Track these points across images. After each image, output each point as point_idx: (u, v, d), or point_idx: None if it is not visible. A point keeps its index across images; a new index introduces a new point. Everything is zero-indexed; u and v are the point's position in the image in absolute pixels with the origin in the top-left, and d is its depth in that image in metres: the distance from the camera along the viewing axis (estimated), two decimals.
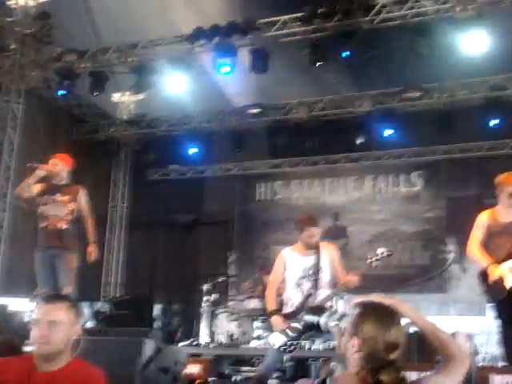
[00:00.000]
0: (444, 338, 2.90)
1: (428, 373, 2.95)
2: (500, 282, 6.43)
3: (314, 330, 3.21)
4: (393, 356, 2.75)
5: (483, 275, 6.64)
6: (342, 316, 3.15)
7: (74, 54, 12.99)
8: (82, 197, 8.30)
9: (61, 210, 8.07)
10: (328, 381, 2.98)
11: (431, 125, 13.86)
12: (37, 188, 8.16)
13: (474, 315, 10.50)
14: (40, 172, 8.02)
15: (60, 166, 8.21)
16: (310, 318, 3.24)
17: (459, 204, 14.74)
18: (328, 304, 6.70)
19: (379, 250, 6.35)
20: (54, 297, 3.76)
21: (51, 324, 3.44)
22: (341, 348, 2.91)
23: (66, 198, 8.12)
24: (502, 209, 6.73)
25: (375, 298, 2.92)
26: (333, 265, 6.70)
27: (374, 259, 6.33)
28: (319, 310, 3.29)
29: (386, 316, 2.83)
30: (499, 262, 6.49)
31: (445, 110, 13.63)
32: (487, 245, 6.75)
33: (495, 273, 6.42)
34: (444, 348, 2.88)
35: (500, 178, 6.81)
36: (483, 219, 6.79)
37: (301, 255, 6.71)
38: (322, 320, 3.12)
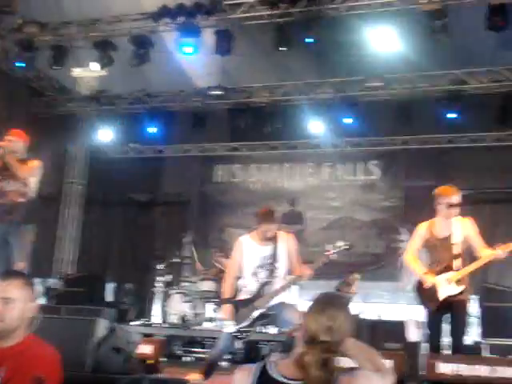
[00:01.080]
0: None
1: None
2: (434, 292, 6.62)
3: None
4: (324, 337, 2.83)
5: (419, 286, 6.82)
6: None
7: (35, 26, 12.81)
8: (40, 171, 8.22)
9: (17, 185, 7.99)
10: (267, 363, 3.03)
11: (391, 115, 13.96)
12: None
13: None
14: None
15: (15, 141, 8.11)
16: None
17: (415, 194, 14.89)
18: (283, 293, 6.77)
19: (338, 243, 6.41)
20: (9, 273, 3.70)
21: (5, 301, 3.42)
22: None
23: (24, 173, 8.05)
24: (440, 221, 6.85)
25: None
26: (289, 255, 6.74)
27: (332, 252, 6.38)
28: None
29: (326, 302, 3.01)
30: (433, 273, 6.70)
31: (405, 101, 13.73)
32: (427, 257, 6.94)
33: (429, 280, 6.62)
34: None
35: (438, 190, 6.94)
36: (421, 231, 6.97)
37: (259, 244, 6.74)
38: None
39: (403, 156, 15.89)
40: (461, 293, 6.61)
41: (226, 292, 6.75)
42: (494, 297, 10.65)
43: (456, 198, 6.76)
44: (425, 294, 6.73)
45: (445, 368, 5.58)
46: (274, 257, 6.63)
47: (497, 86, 13.20)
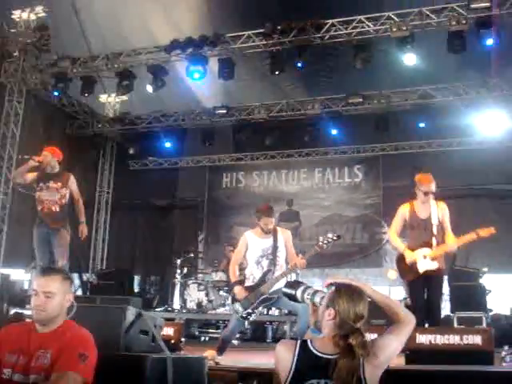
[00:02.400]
0: (394, 306, 3.22)
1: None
2: (414, 265, 6.62)
3: (290, 299, 3.32)
4: (359, 324, 3.02)
5: (400, 259, 6.82)
6: (316, 291, 3.26)
7: (67, 61, 12.87)
8: (73, 183, 8.27)
9: (54, 195, 8.04)
10: (308, 340, 3.12)
11: (370, 126, 14.01)
12: (32, 176, 8.15)
13: (401, 285, 10.72)
14: (32, 162, 8.00)
15: (50, 156, 8.17)
16: (287, 290, 3.35)
17: (393, 192, 14.87)
18: (289, 278, 6.81)
19: (329, 235, 6.39)
20: (50, 270, 3.72)
21: (47, 295, 3.44)
22: (316, 315, 3.20)
23: (58, 184, 8.09)
24: (419, 204, 6.84)
25: (345, 279, 3.25)
26: (286, 246, 6.75)
27: (324, 241, 6.37)
28: (296, 283, 3.39)
29: (356, 293, 3.11)
30: (413, 250, 6.69)
31: (382, 114, 13.78)
32: (406, 235, 6.92)
33: (409, 255, 6.62)
34: (394, 314, 3.19)
35: (417, 177, 6.94)
36: (403, 211, 6.93)
37: (260, 238, 6.75)
38: (298, 292, 3.23)
39: (382, 160, 15.92)
40: (437, 268, 6.61)
41: (233, 276, 6.77)
42: (461, 277, 10.69)
43: (431, 186, 6.75)
44: (405, 267, 6.72)
45: (422, 339, 5.62)
46: (274, 248, 6.65)
47: (458, 99, 13.25)
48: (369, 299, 3.19)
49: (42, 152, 8.22)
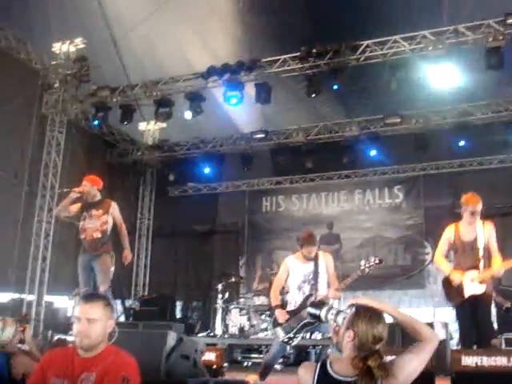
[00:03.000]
0: (417, 325, 3.17)
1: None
2: (460, 288, 6.45)
3: (315, 320, 3.36)
4: (378, 346, 3.07)
5: (446, 283, 6.67)
6: (339, 311, 3.30)
7: (106, 90, 13.13)
8: (114, 209, 8.35)
9: (95, 223, 8.14)
10: (327, 362, 3.15)
11: (409, 146, 13.90)
12: (76, 207, 8.31)
13: (448, 307, 10.51)
14: (73, 194, 8.17)
15: (89, 186, 8.31)
16: (312, 310, 3.41)
17: (434, 213, 14.74)
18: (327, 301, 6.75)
19: (371, 259, 6.32)
20: (92, 296, 3.73)
21: (89, 321, 3.46)
22: (338, 336, 3.21)
23: (99, 211, 8.20)
24: (465, 225, 6.68)
25: (365, 300, 3.23)
26: (328, 270, 6.71)
27: (366, 265, 6.31)
28: (320, 304, 3.40)
29: (375, 315, 3.13)
30: (462, 273, 6.52)
31: (421, 133, 13.67)
32: (452, 257, 6.78)
33: (457, 278, 6.46)
34: (417, 333, 3.14)
35: (464, 197, 6.74)
36: (448, 233, 6.78)
37: (301, 263, 6.73)
38: (322, 313, 3.27)
39: (422, 180, 15.76)
40: (484, 292, 6.44)
41: (275, 300, 6.74)
42: (508, 297, 10.44)
43: (477, 206, 6.56)
44: (451, 290, 6.57)
45: (468, 361, 5.51)
46: (315, 273, 6.61)
47: (498, 116, 13.08)
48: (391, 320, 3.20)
49: (82, 182, 8.34)
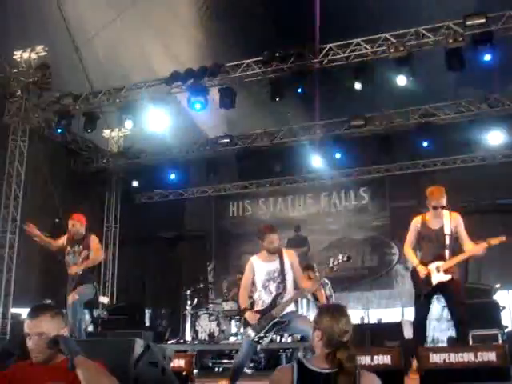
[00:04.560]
0: None
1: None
2: (428, 278, 6.52)
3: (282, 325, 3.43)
4: (345, 338, 3.22)
5: (414, 273, 6.73)
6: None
7: (69, 98, 12.97)
8: (94, 242, 8.42)
9: (77, 258, 8.24)
10: (303, 361, 3.24)
11: (374, 147, 14.03)
12: (62, 241, 8.45)
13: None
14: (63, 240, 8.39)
15: (78, 225, 8.38)
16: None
17: (400, 213, 14.87)
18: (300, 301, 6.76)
19: (340, 256, 6.33)
20: (37, 310, 3.48)
21: (40, 336, 3.34)
22: (311, 341, 3.42)
23: (80, 247, 8.31)
24: (431, 215, 6.74)
25: None
26: (293, 268, 6.69)
27: (335, 263, 6.32)
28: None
29: (336, 311, 3.32)
30: (426, 263, 6.58)
31: (385, 135, 13.77)
32: (419, 247, 6.84)
33: (424, 271, 6.52)
34: None
35: (428, 190, 6.79)
36: (415, 223, 6.83)
37: (264, 262, 6.69)
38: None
39: (387, 181, 15.91)
40: (451, 279, 6.50)
41: (243, 303, 6.70)
42: (474, 294, 10.56)
43: (440, 200, 6.62)
44: (419, 280, 6.60)
45: (436, 358, 5.55)
46: (280, 271, 6.58)
47: (460, 116, 13.26)
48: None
49: (70, 221, 8.41)
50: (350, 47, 11.29)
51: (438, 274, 6.48)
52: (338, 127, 14.29)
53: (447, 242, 6.57)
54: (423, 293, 6.68)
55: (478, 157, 14.75)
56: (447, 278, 6.48)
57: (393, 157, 14.77)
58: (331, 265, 6.33)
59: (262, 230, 6.70)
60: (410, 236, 6.85)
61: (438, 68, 10.76)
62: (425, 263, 6.60)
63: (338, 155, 14.50)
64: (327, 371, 3.14)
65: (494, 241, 6.51)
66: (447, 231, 6.57)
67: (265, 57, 11.61)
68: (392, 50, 10.68)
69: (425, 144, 13.56)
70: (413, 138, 13.65)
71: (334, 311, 3.31)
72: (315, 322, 3.32)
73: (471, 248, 6.52)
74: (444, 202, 6.65)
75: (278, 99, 11.65)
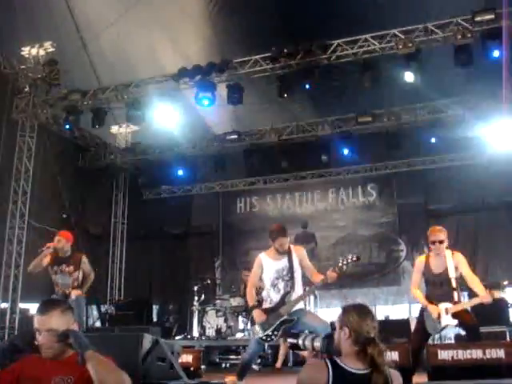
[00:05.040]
0: None
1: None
2: (438, 319, 6.44)
3: (294, 348, 3.53)
4: (373, 334, 3.22)
5: (422, 313, 6.62)
6: (314, 337, 3.44)
7: (77, 94, 12.99)
8: (84, 263, 8.44)
9: (67, 280, 8.21)
10: (336, 359, 3.26)
11: (382, 144, 13.99)
12: (47, 260, 8.27)
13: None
14: (47, 250, 8.16)
15: (63, 242, 8.32)
16: (290, 340, 3.55)
17: (408, 210, 14.88)
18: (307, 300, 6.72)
19: (349, 256, 6.33)
20: (47, 306, 3.48)
21: (50, 331, 3.34)
22: (334, 340, 3.34)
23: (70, 268, 8.27)
24: (434, 256, 6.70)
25: None
26: (302, 264, 6.68)
27: (344, 262, 6.30)
28: (296, 335, 3.53)
29: (362, 308, 3.36)
30: (433, 303, 6.50)
31: (393, 132, 13.74)
32: (426, 288, 6.78)
33: (435, 311, 6.43)
34: None
35: (428, 230, 6.79)
36: (419, 264, 6.82)
37: (273, 260, 6.68)
38: (300, 341, 3.44)
39: (395, 178, 15.87)
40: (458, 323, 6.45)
41: (251, 300, 6.70)
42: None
43: (438, 235, 6.61)
44: (428, 320, 6.53)
45: (445, 355, 5.56)
46: (289, 268, 6.57)
47: (468, 112, 13.20)
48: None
49: (56, 237, 8.34)
50: (358, 43, 11.25)
51: (447, 317, 6.41)
52: (346, 124, 14.26)
53: (453, 284, 6.49)
54: (432, 333, 6.66)
55: (487, 153, 14.63)
56: (454, 322, 6.41)
57: (401, 153, 14.72)
58: (340, 264, 6.33)
59: (275, 232, 6.68)
60: (415, 276, 6.85)
61: (447, 64, 10.72)
62: (433, 303, 6.53)
63: (346, 152, 14.50)
64: (362, 372, 3.14)
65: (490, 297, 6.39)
66: (452, 274, 6.50)
67: (273, 53, 11.59)
68: (400, 46, 10.65)
69: (433, 140, 13.53)
70: (421, 134, 13.63)
71: (360, 308, 3.37)
72: (341, 321, 3.31)
73: (483, 295, 6.38)
74: (442, 237, 6.62)
75: (285, 95, 11.64)
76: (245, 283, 11.97)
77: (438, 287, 6.56)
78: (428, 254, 6.86)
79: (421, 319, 6.66)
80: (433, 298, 6.58)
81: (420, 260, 6.89)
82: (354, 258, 6.33)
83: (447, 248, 6.64)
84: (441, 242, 6.59)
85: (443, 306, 6.45)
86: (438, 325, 6.46)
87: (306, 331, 3.69)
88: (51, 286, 8.43)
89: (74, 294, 7.99)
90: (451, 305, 6.43)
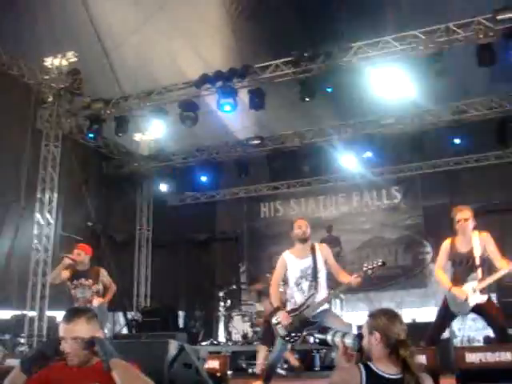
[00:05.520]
0: None
1: None
2: (465, 301, 6.42)
3: (322, 344, 3.52)
4: (403, 336, 3.27)
5: (449, 298, 6.59)
6: (344, 334, 3.43)
7: (100, 103, 13.10)
8: (103, 276, 8.51)
9: (87, 293, 8.26)
10: (369, 363, 3.28)
11: (405, 146, 13.90)
12: (66, 274, 8.33)
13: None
14: (67, 260, 8.23)
15: (83, 254, 8.35)
16: (318, 335, 3.56)
17: (433, 212, 14.76)
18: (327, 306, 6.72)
19: (375, 261, 6.29)
20: (73, 314, 3.52)
21: (75, 339, 3.37)
22: (348, 356, 3.41)
23: (89, 281, 8.33)
24: (460, 237, 6.68)
25: None
26: (328, 262, 6.64)
27: (369, 267, 6.27)
28: (325, 329, 3.52)
29: (389, 312, 3.41)
30: (460, 285, 6.49)
31: (415, 133, 13.65)
32: (451, 270, 6.75)
33: (462, 294, 6.41)
34: None
35: (452, 210, 6.78)
36: (445, 246, 6.79)
37: (298, 258, 6.67)
38: (329, 337, 3.43)
39: (419, 180, 15.77)
40: (488, 299, 6.44)
41: (274, 300, 6.67)
42: (510, 293, 10.40)
43: (460, 215, 6.59)
44: (455, 303, 6.52)
45: (472, 358, 5.51)
46: (313, 269, 6.54)
47: (492, 112, 13.10)
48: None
49: (75, 250, 8.41)
50: (379, 45, 11.21)
51: (475, 295, 6.38)
52: (368, 126, 14.21)
53: (477, 262, 6.48)
54: (463, 314, 6.63)
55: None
56: (484, 298, 6.40)
57: (424, 155, 14.63)
58: (365, 268, 6.30)
59: (291, 221, 6.73)
60: (441, 259, 6.83)
61: (470, 64, 10.63)
62: (458, 285, 6.51)
63: (369, 154, 14.41)
64: (395, 377, 3.17)
65: None
66: (477, 253, 6.49)
67: (294, 57, 11.59)
68: (421, 47, 10.59)
69: (457, 141, 13.42)
70: (445, 135, 13.52)
71: (388, 312, 3.40)
72: (371, 326, 3.34)
73: (506, 266, 6.38)
74: (467, 215, 6.59)
75: (307, 99, 11.63)
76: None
77: (465, 267, 6.54)
78: (454, 237, 6.79)
79: (444, 304, 6.64)
80: (458, 278, 6.55)
81: (446, 242, 6.84)
82: (380, 264, 6.30)
83: (474, 229, 6.60)
84: (466, 219, 6.56)
85: (469, 285, 6.42)
86: (466, 306, 6.44)
87: (335, 328, 3.70)
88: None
89: (96, 302, 8.02)
90: (477, 283, 6.39)
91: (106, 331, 8.45)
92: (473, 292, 6.38)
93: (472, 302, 6.39)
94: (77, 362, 3.40)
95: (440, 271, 6.78)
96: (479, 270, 6.47)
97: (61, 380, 3.37)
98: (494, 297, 8.48)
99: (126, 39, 12.08)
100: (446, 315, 6.67)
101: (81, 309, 3.80)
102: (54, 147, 13.27)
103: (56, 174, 13.18)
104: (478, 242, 6.53)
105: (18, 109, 12.79)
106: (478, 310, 6.49)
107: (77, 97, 13.21)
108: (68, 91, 12.97)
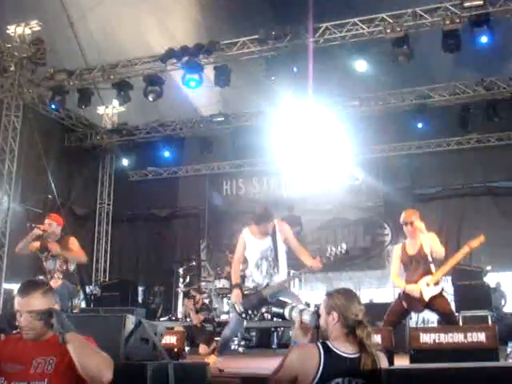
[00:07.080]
0: None
1: None
2: (420, 297, 6.55)
3: (278, 317, 3.52)
4: (360, 316, 3.31)
5: (404, 295, 6.68)
6: (302, 309, 3.44)
7: (63, 74, 12.87)
8: (74, 245, 8.07)
9: (56, 263, 7.94)
10: (327, 342, 3.28)
11: (368, 128, 13.99)
12: (36, 246, 8.00)
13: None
14: (36, 231, 7.86)
15: (54, 225, 8.04)
16: (275, 309, 3.56)
17: (393, 194, 14.89)
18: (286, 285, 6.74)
19: (338, 248, 6.31)
20: (28, 287, 3.43)
21: (30, 313, 3.31)
22: (307, 331, 3.48)
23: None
24: (409, 241, 6.87)
25: None
26: (287, 241, 6.63)
27: (332, 254, 6.30)
28: (283, 303, 3.52)
29: (348, 292, 3.47)
30: (414, 282, 6.62)
31: (379, 116, 13.75)
32: (405, 274, 6.88)
33: (416, 289, 6.55)
34: None
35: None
36: (397, 251, 7.00)
37: (258, 239, 6.65)
38: (286, 311, 3.43)
39: (381, 162, 15.85)
40: (439, 294, 6.58)
41: (235, 278, 6.68)
42: (465, 276, 10.64)
43: (409, 217, 6.74)
44: (412, 299, 6.62)
45: (426, 338, 5.62)
46: (273, 249, 6.55)
47: (455, 98, 13.26)
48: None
49: (45, 220, 8.09)
50: (346, 27, 11.21)
51: (429, 289, 6.55)
52: (333, 107, 14.23)
53: (429, 259, 6.67)
54: (416, 312, 6.79)
55: (472, 139, 14.69)
56: (438, 289, 6.58)
57: (387, 138, 14.80)
58: (328, 255, 6.32)
59: (259, 217, 6.60)
60: (394, 264, 7.03)
61: (435, 49, 10.72)
62: (413, 282, 6.67)
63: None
64: (353, 356, 3.22)
65: (475, 243, 6.73)
66: (427, 250, 6.66)
67: (260, 35, 11.53)
68: (389, 31, 10.63)
69: (419, 125, 13.56)
70: (408, 119, 13.64)
71: (346, 292, 3.45)
72: (329, 306, 3.37)
73: (456, 256, 6.67)
74: (412, 218, 6.74)
75: (273, 78, 11.60)
76: (230, 265, 12.00)
77: (416, 266, 6.70)
78: (404, 241, 7.01)
79: (398, 300, 6.79)
80: (412, 278, 6.69)
81: (397, 247, 7.08)
82: (344, 252, 6.32)
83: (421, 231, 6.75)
84: (411, 223, 6.71)
85: (423, 281, 6.58)
86: (421, 303, 6.57)
87: (293, 303, 3.70)
88: (35, 266, 8.27)
89: (54, 284, 7.75)
90: (430, 277, 6.57)
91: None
92: (427, 286, 6.53)
93: (427, 296, 6.53)
94: (32, 336, 3.35)
95: (395, 276, 6.97)
96: (431, 265, 6.65)
97: (15, 354, 3.33)
98: (449, 279, 8.69)
99: (92, 10, 11.88)
100: (402, 312, 6.83)
101: (36, 282, 3.73)
102: (14, 117, 13.05)
103: (16, 145, 12.96)
104: (425, 240, 6.70)
105: None
106: (432, 307, 6.67)
107: (39, 67, 12.96)
108: (30, 60, 12.72)
